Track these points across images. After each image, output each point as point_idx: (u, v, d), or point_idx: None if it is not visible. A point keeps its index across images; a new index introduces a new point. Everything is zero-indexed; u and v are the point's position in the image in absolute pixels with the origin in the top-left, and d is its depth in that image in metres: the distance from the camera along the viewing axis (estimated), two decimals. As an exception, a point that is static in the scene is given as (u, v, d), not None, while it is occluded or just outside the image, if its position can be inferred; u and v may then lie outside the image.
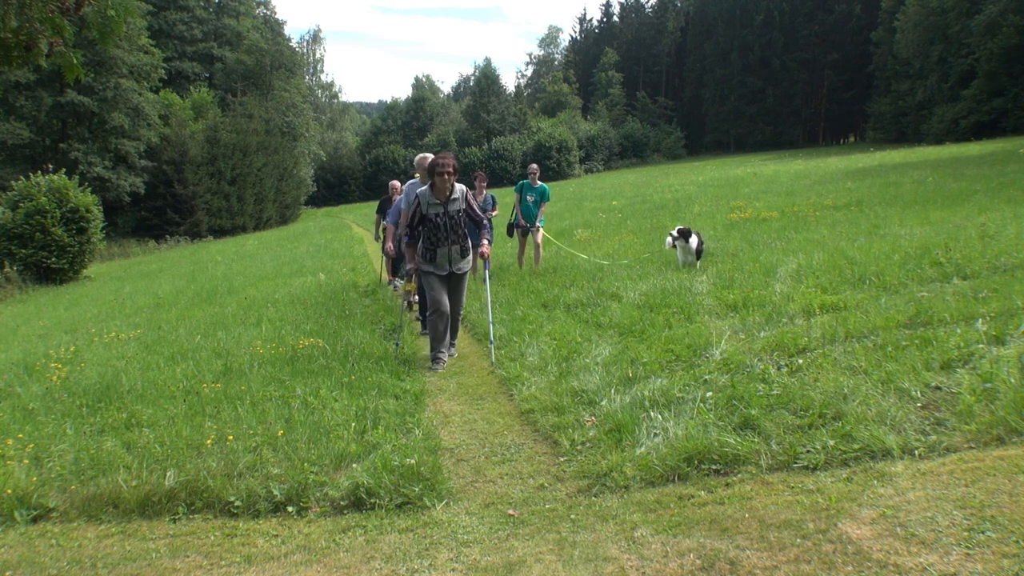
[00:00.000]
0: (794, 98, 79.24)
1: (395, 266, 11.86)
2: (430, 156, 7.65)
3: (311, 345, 8.18)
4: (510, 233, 12.86)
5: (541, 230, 12.56)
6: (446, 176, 7.12)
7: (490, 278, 8.40)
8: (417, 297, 9.72)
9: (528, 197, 12.36)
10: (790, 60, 77.84)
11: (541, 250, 12.61)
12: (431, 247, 7.39)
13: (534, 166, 12.72)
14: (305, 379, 6.81)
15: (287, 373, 7.09)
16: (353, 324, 9.45)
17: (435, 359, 7.46)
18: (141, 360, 8.58)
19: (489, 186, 13.48)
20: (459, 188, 7.32)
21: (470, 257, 7.72)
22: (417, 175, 9.08)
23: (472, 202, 7.41)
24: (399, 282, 11.48)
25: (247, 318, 11.05)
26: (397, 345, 7.98)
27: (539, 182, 12.47)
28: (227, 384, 6.80)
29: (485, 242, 7.66)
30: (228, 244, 36.54)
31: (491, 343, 7.63)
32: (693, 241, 10.56)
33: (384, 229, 11.74)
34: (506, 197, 25.63)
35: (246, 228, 48.54)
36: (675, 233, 10.82)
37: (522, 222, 12.46)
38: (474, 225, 7.68)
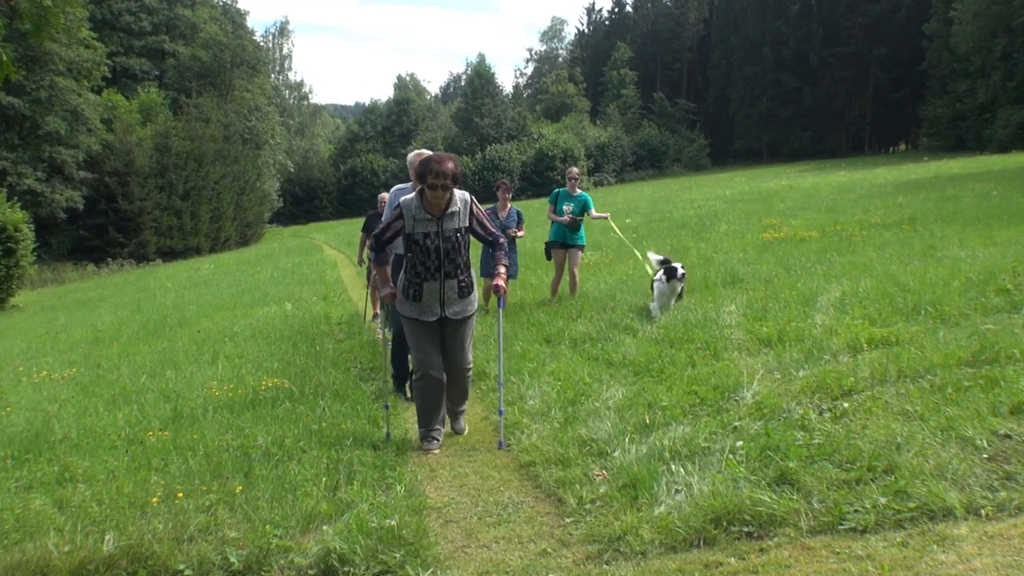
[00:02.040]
0: (835, 99, 79.66)
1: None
2: (427, 153, 6.60)
3: (275, 387, 8.16)
4: (548, 255, 12.10)
5: (580, 252, 11.99)
6: (440, 189, 5.91)
7: (504, 317, 7.19)
8: (390, 343, 8.05)
9: (566, 207, 11.70)
10: (830, 56, 78.26)
11: (578, 277, 11.97)
12: (415, 280, 6.16)
13: (575, 170, 12.26)
14: (268, 426, 6.78)
15: (247, 419, 7.06)
16: (324, 362, 9.43)
17: (426, 436, 6.38)
18: (77, 404, 8.55)
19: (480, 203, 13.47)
20: (459, 197, 6.10)
21: (474, 296, 6.40)
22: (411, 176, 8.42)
23: (480, 214, 6.26)
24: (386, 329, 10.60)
25: (201, 355, 11.03)
26: (388, 436, 6.51)
27: (579, 190, 11.88)
28: (177, 432, 6.77)
29: (501, 270, 6.43)
30: (180, 268, 36.56)
31: (500, 413, 6.52)
32: (677, 280, 9.78)
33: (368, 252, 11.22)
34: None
35: (201, 250, 48.62)
36: (658, 271, 10.04)
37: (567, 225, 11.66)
38: (485, 245, 6.60)
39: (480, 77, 78.32)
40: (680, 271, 9.70)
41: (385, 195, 12.13)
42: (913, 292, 8.43)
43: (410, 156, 7.88)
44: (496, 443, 6.30)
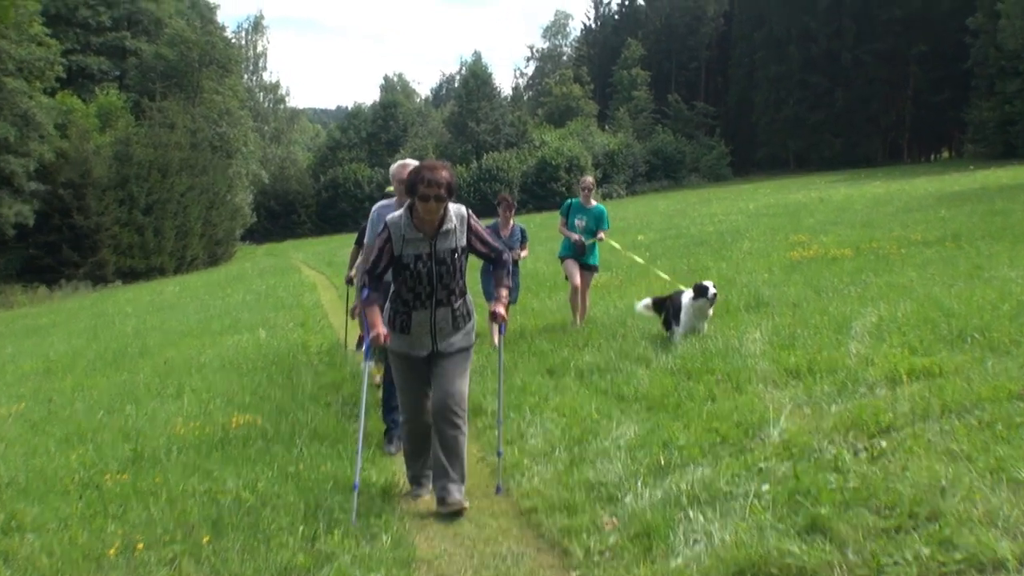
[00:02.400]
0: (870, 102, 79.80)
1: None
2: (412, 163, 6.45)
3: (247, 424, 8.15)
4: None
5: (594, 274, 12.04)
6: (433, 201, 5.60)
7: (503, 348, 6.94)
8: (380, 384, 8.23)
9: (578, 222, 11.58)
10: (865, 54, 78.45)
11: (588, 301, 12.02)
12: (403, 310, 5.88)
13: (589, 179, 12.20)
14: (239, 468, 6.77)
15: (215, 461, 7.05)
16: (302, 396, 9.43)
17: (415, 481, 6.29)
18: (25, 443, 8.54)
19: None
20: (455, 212, 5.81)
21: (471, 326, 6.11)
22: (392, 192, 8.19)
23: (480, 229, 5.97)
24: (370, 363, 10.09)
25: (164, 388, 11.02)
26: (355, 488, 5.85)
27: (594, 201, 11.79)
28: (137, 475, 6.76)
29: (503, 293, 6.06)
30: (141, 291, 36.58)
31: (498, 454, 6.39)
32: (707, 300, 9.73)
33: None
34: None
35: (165, 270, 48.59)
36: (687, 292, 9.99)
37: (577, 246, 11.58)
38: (487, 262, 6.20)
39: (476, 78, 78.56)
40: (712, 290, 9.65)
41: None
42: (958, 317, 8.44)
43: (393, 168, 7.77)
44: (494, 487, 6.29)
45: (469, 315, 6.08)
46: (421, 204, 5.61)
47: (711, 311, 9.92)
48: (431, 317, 5.86)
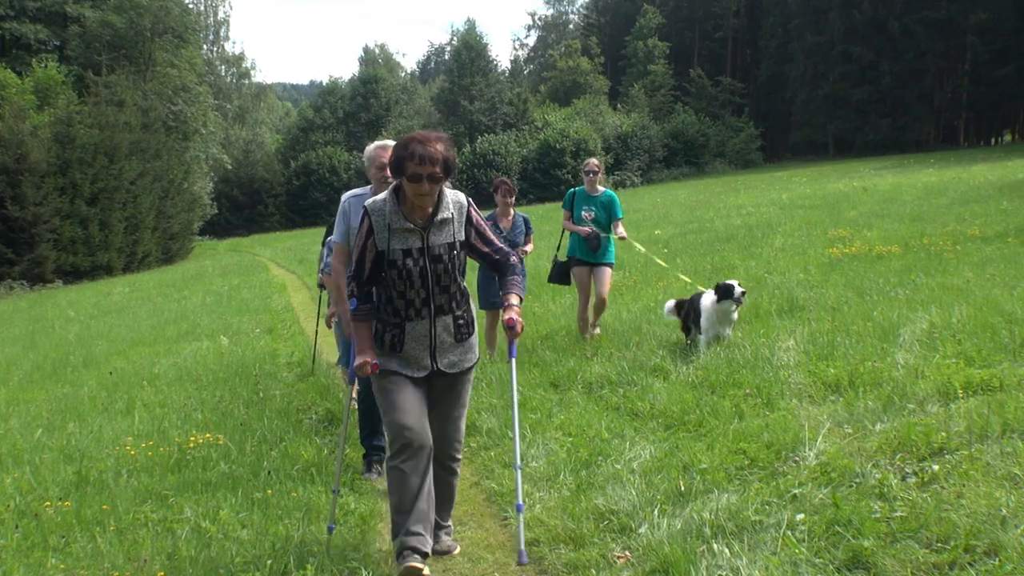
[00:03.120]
0: (922, 78, 79.82)
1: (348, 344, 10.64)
2: (391, 145, 6.00)
3: (207, 443, 8.15)
4: (567, 277, 11.83)
5: (610, 271, 11.58)
6: (426, 181, 5.08)
7: (516, 363, 6.06)
8: (357, 407, 8.03)
9: (585, 213, 11.37)
10: (915, 22, 78.45)
11: (606, 303, 11.64)
12: (393, 322, 5.38)
13: (593, 161, 11.72)
14: (197, 494, 6.78)
15: (171, 485, 7.06)
16: (270, 412, 9.44)
17: (406, 545, 5.18)
18: (-47, 466, 8.53)
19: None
20: (452, 199, 5.38)
21: (474, 339, 5.65)
22: (371, 180, 7.50)
23: (482, 224, 5.50)
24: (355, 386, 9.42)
25: (112, 403, 11.02)
26: (330, 529, 5.79)
27: (601, 188, 11.52)
28: (81, 502, 6.76)
29: (514, 299, 5.49)
30: (86, 292, 36.55)
31: (519, 509, 5.40)
32: (732, 302, 9.76)
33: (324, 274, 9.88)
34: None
35: (112, 269, 48.53)
36: (709, 293, 9.99)
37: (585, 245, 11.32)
38: (491, 268, 5.68)
39: (469, 49, 78.67)
40: (738, 290, 9.66)
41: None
42: (1022, 324, 8.45)
43: (370, 150, 7.31)
44: (493, 523, 6.29)
45: (472, 324, 5.59)
46: (411, 186, 5.08)
47: (736, 315, 9.94)
48: (430, 329, 5.36)
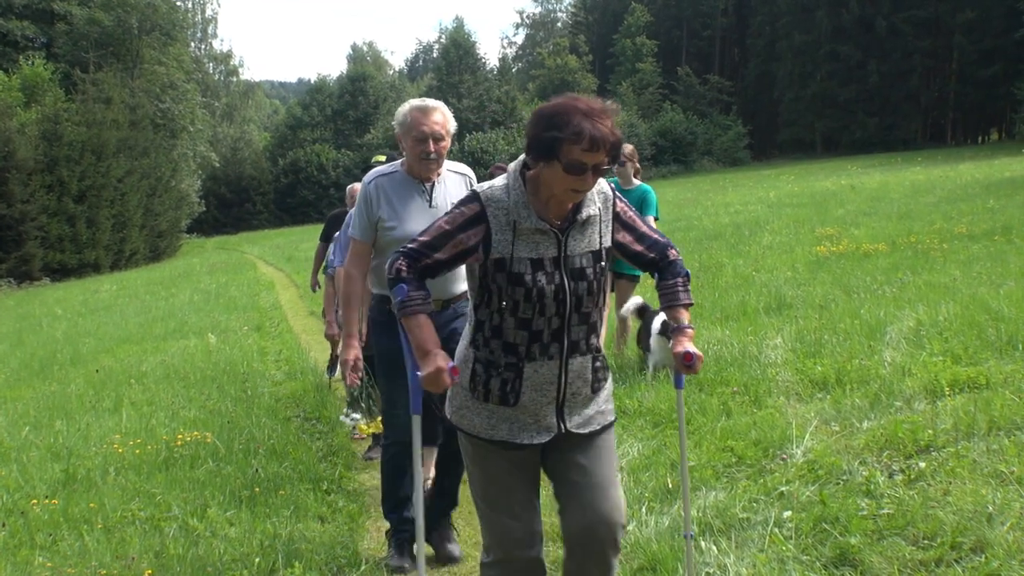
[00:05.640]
0: (909, 77, 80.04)
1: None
2: (432, 104, 5.33)
3: (195, 441, 8.13)
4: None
5: (633, 285, 9.94)
6: (590, 174, 3.55)
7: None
8: (381, 469, 5.89)
9: None
10: (903, 21, 78.65)
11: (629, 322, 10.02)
12: (508, 362, 3.72)
13: (628, 147, 9.41)
14: (185, 492, 6.76)
15: (158, 483, 7.03)
16: (258, 409, 9.41)
17: None
18: (-61, 464, 8.50)
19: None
20: (596, 190, 3.78)
21: (611, 386, 4.00)
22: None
23: (630, 213, 3.95)
24: (346, 420, 8.35)
25: (100, 401, 10.98)
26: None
27: (636, 180, 9.72)
28: (68, 500, 6.74)
29: (686, 318, 3.91)
30: (73, 290, 36.43)
31: (688, 536, 4.57)
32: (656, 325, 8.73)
33: (327, 276, 9.22)
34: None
35: (100, 266, 48.37)
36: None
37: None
38: (642, 269, 4.13)
39: (457, 47, 78.68)
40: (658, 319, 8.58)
41: (357, 187, 10.23)
42: (1008, 321, 8.47)
43: (403, 111, 5.39)
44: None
45: (608, 367, 3.97)
46: (567, 178, 3.52)
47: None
48: (559, 374, 3.72)
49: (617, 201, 3.85)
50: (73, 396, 11.54)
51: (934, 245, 15.04)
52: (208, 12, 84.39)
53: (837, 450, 5.95)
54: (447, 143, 5.11)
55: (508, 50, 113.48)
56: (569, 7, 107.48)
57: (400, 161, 5.43)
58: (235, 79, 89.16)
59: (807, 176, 47.67)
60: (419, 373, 3.61)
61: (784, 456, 6.02)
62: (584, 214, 3.68)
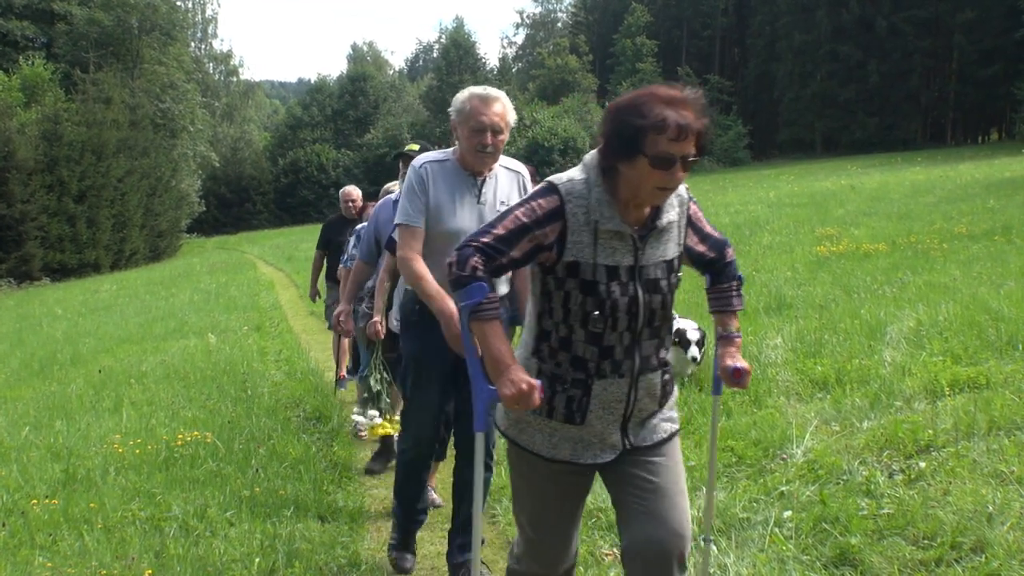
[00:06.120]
0: (909, 77, 79.95)
1: (356, 355, 9.62)
2: (496, 95, 4.85)
3: (195, 441, 8.12)
4: None
5: None
6: (679, 168, 3.22)
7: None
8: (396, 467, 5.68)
9: None
10: (903, 21, 78.52)
11: None
12: (577, 378, 3.38)
13: None
14: (186, 492, 6.75)
15: (158, 483, 7.03)
16: (258, 409, 9.40)
17: None
18: (-61, 464, 8.50)
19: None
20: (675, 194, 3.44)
21: (676, 396, 3.72)
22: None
23: (699, 215, 3.71)
24: (360, 418, 7.57)
25: (100, 401, 10.98)
26: None
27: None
28: (68, 500, 6.73)
29: (735, 327, 3.91)
30: (73, 290, 36.43)
31: (706, 541, 4.74)
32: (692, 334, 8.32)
33: (335, 276, 9.23)
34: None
35: (100, 266, 48.36)
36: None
37: None
38: (700, 270, 3.87)
39: (457, 47, 78.66)
40: (694, 350, 8.26)
41: (353, 189, 10.73)
42: (1008, 321, 8.46)
43: (463, 98, 4.87)
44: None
45: (674, 377, 3.67)
46: (656, 174, 3.18)
47: (690, 369, 8.53)
48: (629, 392, 3.40)
49: (693, 206, 3.60)
50: (73, 396, 11.53)
51: (934, 245, 15.04)
52: (208, 12, 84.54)
53: (837, 450, 5.95)
54: (505, 136, 4.79)
55: (508, 50, 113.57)
56: (569, 7, 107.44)
57: (452, 149, 4.99)
58: (235, 79, 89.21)
59: (807, 176, 47.65)
60: (491, 387, 3.21)
61: (784, 456, 6.02)
62: (664, 220, 3.36)
